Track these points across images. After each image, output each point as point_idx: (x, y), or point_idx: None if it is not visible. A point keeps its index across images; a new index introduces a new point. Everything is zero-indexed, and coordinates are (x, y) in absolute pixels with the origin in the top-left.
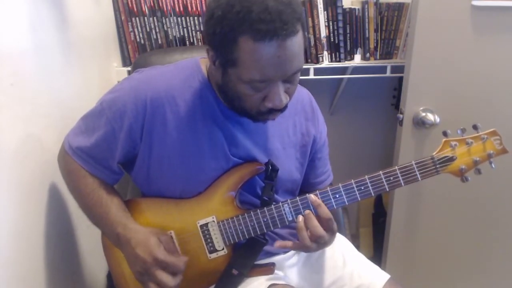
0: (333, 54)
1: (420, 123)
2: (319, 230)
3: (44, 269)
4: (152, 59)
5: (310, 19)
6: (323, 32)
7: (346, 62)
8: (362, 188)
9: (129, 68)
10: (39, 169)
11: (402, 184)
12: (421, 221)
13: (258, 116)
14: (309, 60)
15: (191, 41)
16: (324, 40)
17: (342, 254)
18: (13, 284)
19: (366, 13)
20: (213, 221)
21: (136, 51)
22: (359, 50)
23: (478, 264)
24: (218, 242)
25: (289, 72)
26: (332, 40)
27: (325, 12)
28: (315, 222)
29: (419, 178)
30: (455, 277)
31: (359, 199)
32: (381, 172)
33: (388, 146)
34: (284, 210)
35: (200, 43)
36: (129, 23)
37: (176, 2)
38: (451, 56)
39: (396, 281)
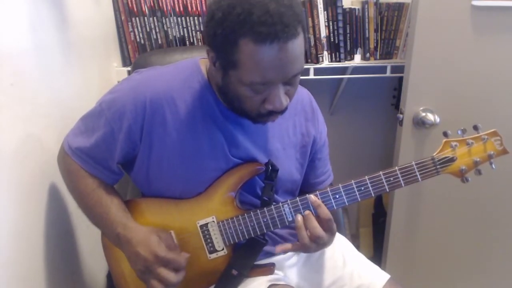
0: (333, 54)
1: (420, 123)
2: (319, 230)
3: (44, 269)
4: (152, 59)
5: (310, 19)
6: (323, 32)
7: (346, 62)
8: (362, 188)
9: (129, 68)
10: (39, 169)
11: (402, 184)
12: (421, 221)
13: (258, 118)
14: (309, 60)
15: (191, 41)
16: (324, 40)
17: (342, 254)
18: (13, 284)
19: (366, 13)
20: (213, 221)
21: (136, 51)
22: (359, 50)
23: (478, 264)
24: (218, 243)
25: (290, 74)
26: (332, 40)
27: (325, 12)
28: (314, 223)
29: (419, 179)
30: (455, 277)
31: (359, 199)
32: (381, 173)
33: (388, 146)
34: (284, 210)
35: (200, 43)
36: (129, 23)
37: (176, 2)
38: (451, 56)
39: (396, 281)
